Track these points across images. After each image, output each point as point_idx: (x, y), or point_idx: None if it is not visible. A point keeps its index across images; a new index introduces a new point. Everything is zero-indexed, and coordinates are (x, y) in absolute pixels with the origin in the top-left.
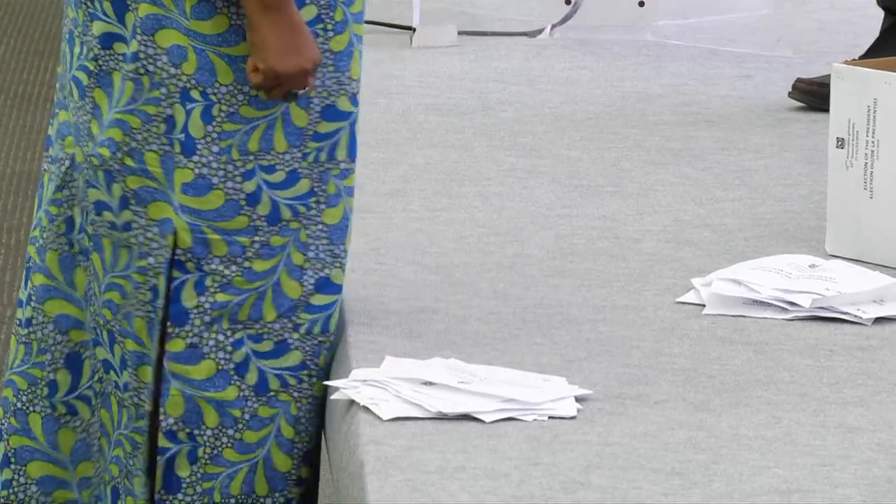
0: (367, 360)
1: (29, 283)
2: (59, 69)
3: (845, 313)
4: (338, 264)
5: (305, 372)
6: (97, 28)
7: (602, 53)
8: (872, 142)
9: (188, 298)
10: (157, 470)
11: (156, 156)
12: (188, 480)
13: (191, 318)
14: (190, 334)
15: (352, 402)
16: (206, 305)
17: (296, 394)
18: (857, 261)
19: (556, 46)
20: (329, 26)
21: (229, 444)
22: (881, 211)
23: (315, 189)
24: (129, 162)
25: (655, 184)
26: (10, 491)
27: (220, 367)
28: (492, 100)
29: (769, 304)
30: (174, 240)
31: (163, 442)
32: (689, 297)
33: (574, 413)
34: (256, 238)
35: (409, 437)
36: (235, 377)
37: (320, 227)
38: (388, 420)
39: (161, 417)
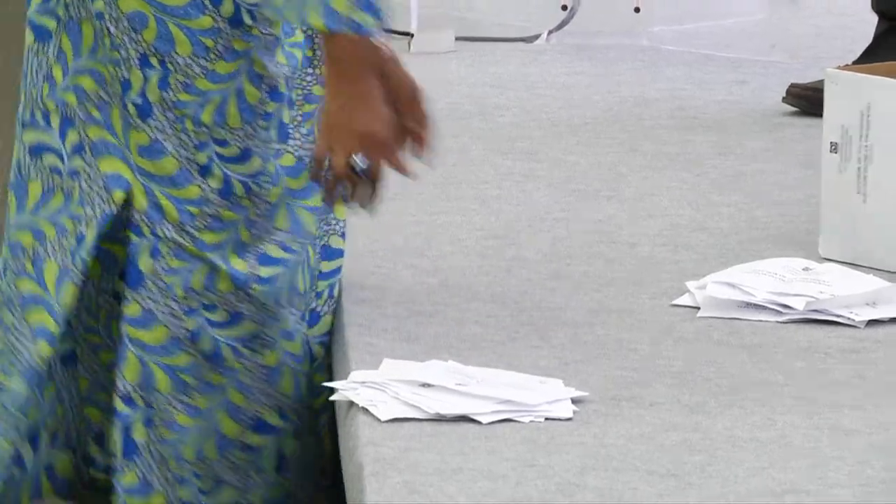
0: (366, 363)
1: None
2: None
3: (839, 316)
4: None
5: (259, 342)
6: None
7: (598, 59)
8: (866, 146)
9: (144, 263)
10: (111, 434)
11: (118, 113)
12: (144, 444)
13: (146, 283)
14: (146, 299)
15: (350, 404)
16: (161, 271)
17: (245, 362)
18: (851, 264)
19: (553, 52)
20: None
21: (182, 410)
22: (874, 214)
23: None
24: (95, 113)
25: (652, 188)
26: None
27: (172, 334)
28: (489, 104)
29: (763, 307)
30: (124, 197)
31: (119, 406)
32: (684, 300)
33: (570, 415)
34: (206, 209)
35: (407, 439)
36: (187, 344)
37: (267, 205)
38: (387, 421)
39: (118, 381)
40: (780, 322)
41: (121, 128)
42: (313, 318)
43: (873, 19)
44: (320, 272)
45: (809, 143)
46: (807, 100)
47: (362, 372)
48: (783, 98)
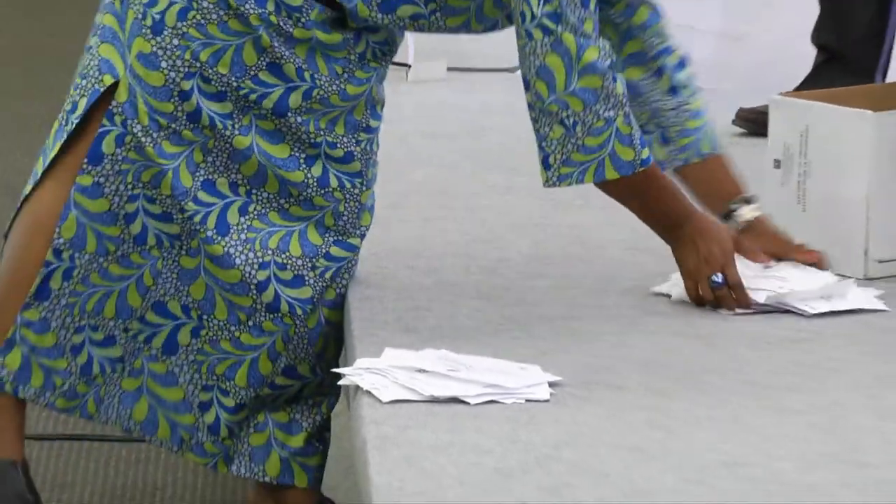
0: (370, 352)
1: None
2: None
3: (796, 308)
4: (358, 233)
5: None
6: None
7: None
8: (805, 163)
9: (107, 146)
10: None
11: (132, 14)
12: (56, 292)
13: (104, 163)
14: (99, 174)
15: (356, 387)
16: (120, 157)
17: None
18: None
19: None
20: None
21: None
22: (812, 223)
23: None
24: (116, 4)
25: None
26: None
27: (112, 209)
28: (478, 127)
29: None
30: (112, 83)
31: (49, 257)
32: (663, 288)
33: (548, 397)
34: (174, 126)
35: (405, 418)
36: (122, 221)
37: (230, 148)
38: (388, 402)
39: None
40: (745, 313)
41: (129, 28)
42: (296, 279)
43: (808, 53)
44: (327, 253)
45: (755, 160)
46: (754, 122)
47: (366, 359)
48: (733, 121)
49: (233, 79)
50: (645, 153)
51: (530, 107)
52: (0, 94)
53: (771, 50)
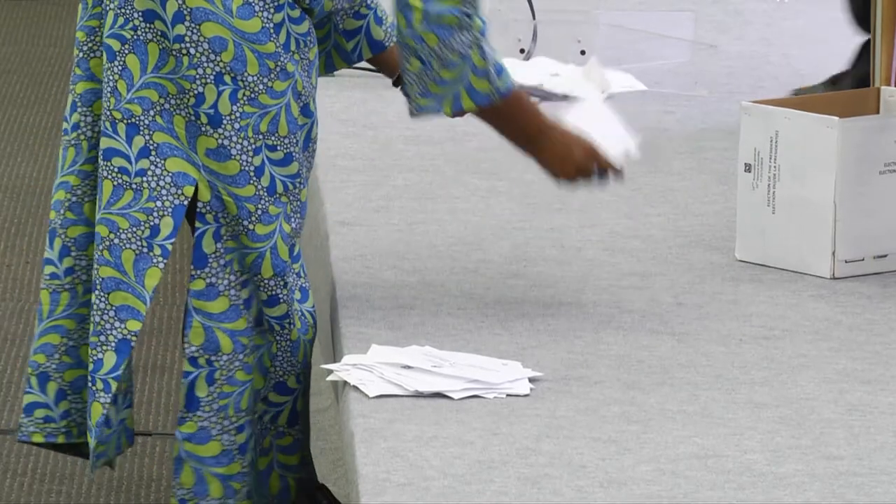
0: (357, 348)
1: (56, 242)
2: (75, 51)
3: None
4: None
5: (287, 320)
6: (139, 4)
7: None
8: (774, 167)
9: (207, 245)
10: (180, 391)
11: (182, 121)
12: (206, 399)
13: (209, 262)
14: (209, 275)
15: (344, 383)
16: (221, 250)
17: (278, 336)
18: (761, 265)
19: None
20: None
21: (240, 367)
22: (781, 224)
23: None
24: (159, 120)
25: (595, 202)
26: (70, 419)
27: (232, 303)
28: (459, 132)
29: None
30: (193, 192)
31: (186, 367)
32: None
33: (527, 391)
34: (260, 206)
35: (391, 412)
36: (244, 310)
37: (298, 202)
38: (374, 397)
39: (185, 345)
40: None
41: (184, 133)
42: (304, 293)
43: (777, 61)
44: (297, 254)
45: (727, 164)
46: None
47: (353, 356)
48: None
49: (292, 136)
50: (502, 85)
51: (395, 37)
52: (2, 103)
53: (742, 58)
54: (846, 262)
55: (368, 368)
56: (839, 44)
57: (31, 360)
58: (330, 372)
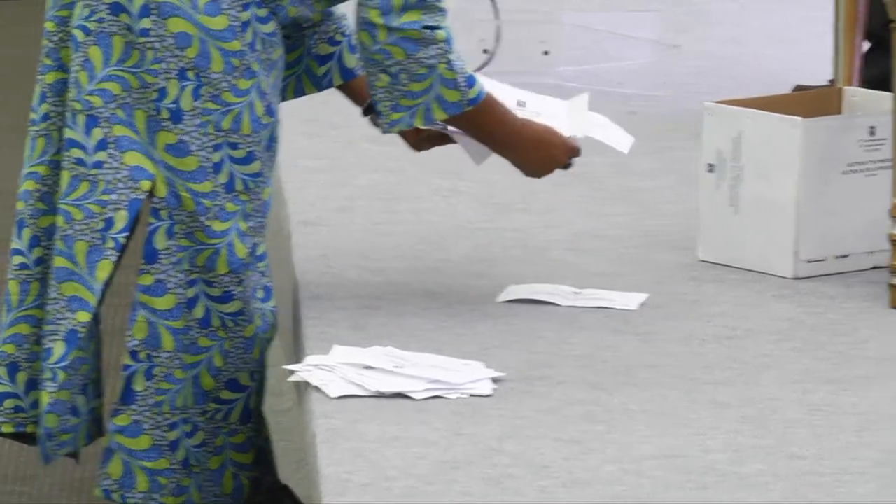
0: (319, 348)
1: (25, 232)
2: (44, 41)
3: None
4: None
5: (242, 317)
6: None
7: None
8: (737, 167)
9: (159, 241)
10: (117, 383)
11: (143, 115)
12: (142, 394)
13: (160, 258)
14: (158, 271)
15: (306, 383)
16: (173, 248)
17: (230, 333)
18: (725, 266)
19: None
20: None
21: (179, 366)
22: (744, 224)
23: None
24: (119, 113)
25: (558, 202)
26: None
27: (178, 301)
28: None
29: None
30: (150, 186)
31: (126, 360)
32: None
33: (490, 392)
34: (216, 202)
35: (353, 412)
36: (187, 310)
37: (259, 201)
38: (336, 398)
39: (127, 338)
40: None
41: (144, 128)
42: (268, 292)
43: (741, 61)
44: (262, 254)
45: (690, 164)
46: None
47: (315, 356)
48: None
49: (255, 135)
50: (472, 93)
51: (359, 55)
52: None
53: (705, 58)
54: (809, 262)
55: (330, 369)
56: (809, 43)
57: (0, 351)
58: (292, 372)
